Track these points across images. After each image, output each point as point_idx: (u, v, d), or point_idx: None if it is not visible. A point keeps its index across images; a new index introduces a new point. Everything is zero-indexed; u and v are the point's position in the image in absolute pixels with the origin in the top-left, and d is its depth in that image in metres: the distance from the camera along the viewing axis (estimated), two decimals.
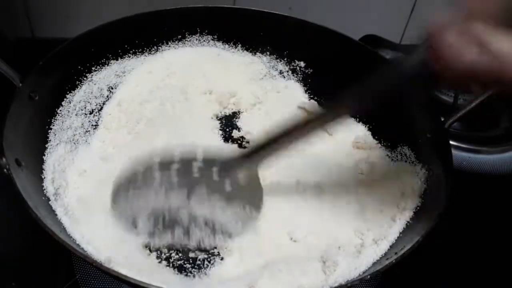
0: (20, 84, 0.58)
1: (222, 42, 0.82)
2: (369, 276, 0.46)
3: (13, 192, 0.47)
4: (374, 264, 0.52)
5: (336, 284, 0.48)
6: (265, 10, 0.78)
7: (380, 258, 0.53)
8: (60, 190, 0.57)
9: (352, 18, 0.98)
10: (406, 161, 0.66)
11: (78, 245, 0.50)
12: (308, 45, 0.80)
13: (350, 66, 0.75)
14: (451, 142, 0.75)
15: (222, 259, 0.55)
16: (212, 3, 0.79)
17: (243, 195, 0.56)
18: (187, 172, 0.56)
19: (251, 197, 0.57)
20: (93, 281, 0.58)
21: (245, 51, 0.83)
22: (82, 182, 0.60)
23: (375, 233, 0.57)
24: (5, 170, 0.48)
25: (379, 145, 0.71)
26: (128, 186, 0.56)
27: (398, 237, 0.56)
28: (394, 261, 0.47)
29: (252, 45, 0.82)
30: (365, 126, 0.74)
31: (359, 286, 0.61)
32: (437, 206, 0.53)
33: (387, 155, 0.69)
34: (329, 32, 0.77)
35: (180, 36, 0.80)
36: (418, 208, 0.58)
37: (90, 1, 0.94)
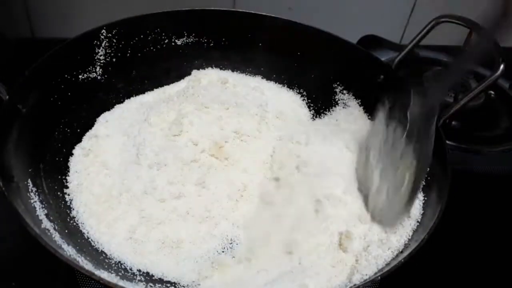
0: (7, 97, 0.56)
1: (220, 45, 0.81)
2: (379, 278, 0.46)
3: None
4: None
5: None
6: (264, 14, 0.78)
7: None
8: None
9: (352, 18, 0.98)
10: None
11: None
12: (307, 48, 0.79)
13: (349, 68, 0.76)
14: (451, 143, 0.76)
15: None
16: (212, 6, 0.79)
17: None
18: None
19: None
20: (93, 282, 0.58)
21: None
22: None
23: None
24: None
25: None
26: None
27: None
28: (402, 260, 0.47)
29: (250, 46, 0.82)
30: None
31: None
32: (437, 204, 0.53)
33: None
34: (326, 34, 0.77)
35: (177, 39, 0.79)
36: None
37: (90, 1, 0.93)
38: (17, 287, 0.57)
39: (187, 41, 0.80)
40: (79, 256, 0.49)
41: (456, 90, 0.85)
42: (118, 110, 0.74)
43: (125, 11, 0.73)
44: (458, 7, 0.88)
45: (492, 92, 0.88)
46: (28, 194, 0.53)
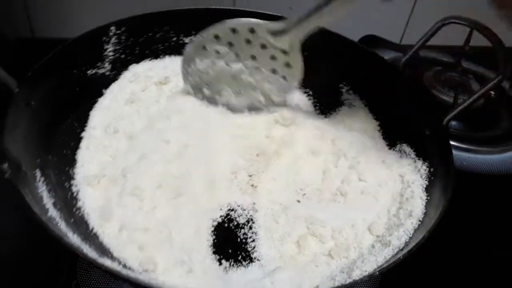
0: (17, 90, 0.57)
1: None
2: (377, 273, 0.46)
3: (17, 196, 0.47)
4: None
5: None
6: (264, 12, 0.78)
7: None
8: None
9: (352, 18, 0.98)
10: (406, 158, 0.66)
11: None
12: (314, 48, 0.79)
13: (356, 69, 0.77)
14: (451, 142, 0.76)
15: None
16: (212, 5, 0.79)
17: (284, 66, 0.63)
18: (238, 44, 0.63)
19: (291, 68, 0.63)
20: (93, 282, 0.58)
21: None
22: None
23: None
24: (6, 175, 0.48)
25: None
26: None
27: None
28: (401, 257, 0.47)
29: None
30: None
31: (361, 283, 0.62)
32: (439, 203, 0.54)
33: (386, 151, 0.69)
34: (334, 35, 0.78)
35: (185, 37, 0.80)
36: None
37: (90, 1, 0.94)
38: (17, 287, 0.58)
39: None
40: (83, 245, 0.50)
41: (456, 90, 0.85)
42: None
43: (126, 11, 0.74)
44: (458, 7, 0.89)
45: (492, 92, 0.89)
46: (36, 183, 0.54)
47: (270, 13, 0.78)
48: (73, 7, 0.95)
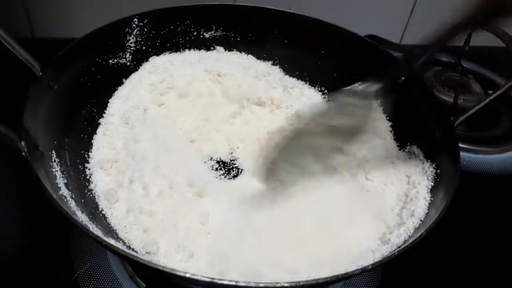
0: (40, 73, 0.60)
1: (246, 40, 0.84)
2: (370, 266, 0.46)
3: (29, 179, 0.48)
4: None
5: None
6: (266, 7, 0.79)
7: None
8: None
9: (352, 18, 0.98)
10: (415, 159, 0.66)
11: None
12: (330, 46, 0.81)
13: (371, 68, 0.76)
14: None
15: None
16: (213, 1, 0.81)
17: None
18: None
19: None
20: (92, 281, 0.59)
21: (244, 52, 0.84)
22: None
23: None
24: (23, 153, 0.50)
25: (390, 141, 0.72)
26: None
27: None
28: (396, 253, 0.48)
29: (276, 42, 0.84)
30: None
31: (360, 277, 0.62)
32: (441, 204, 0.53)
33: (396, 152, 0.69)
34: (350, 34, 0.79)
35: (206, 32, 0.82)
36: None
37: (90, 1, 0.95)
38: (17, 286, 0.58)
39: (215, 34, 0.83)
40: (90, 224, 0.52)
41: (456, 90, 0.84)
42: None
43: (126, 10, 0.76)
44: (459, 7, 0.87)
45: (491, 91, 0.87)
46: (51, 163, 0.57)
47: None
48: (73, 7, 0.95)
